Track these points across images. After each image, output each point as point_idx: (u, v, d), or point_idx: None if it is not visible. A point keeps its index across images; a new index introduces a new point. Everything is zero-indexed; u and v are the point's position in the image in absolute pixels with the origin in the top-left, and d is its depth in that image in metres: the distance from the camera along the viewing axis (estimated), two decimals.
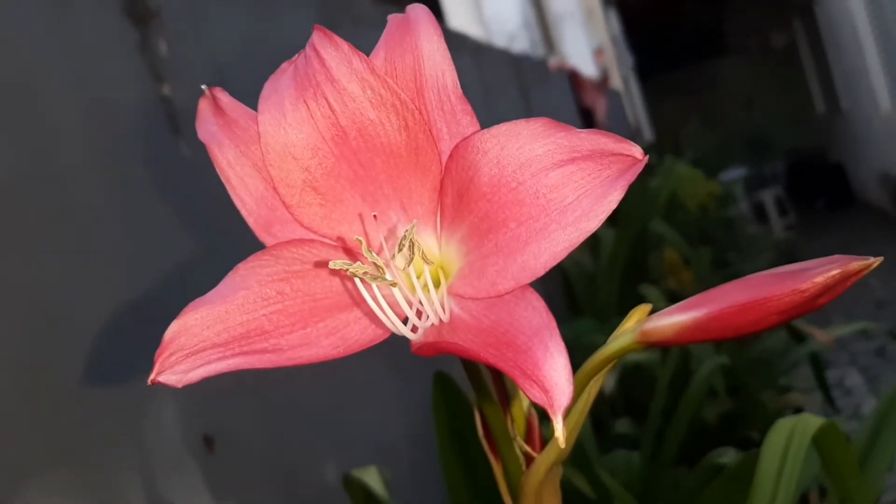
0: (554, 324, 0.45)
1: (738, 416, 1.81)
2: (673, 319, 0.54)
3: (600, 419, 1.93)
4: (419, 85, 0.50)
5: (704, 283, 2.65)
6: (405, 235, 0.48)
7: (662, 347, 0.58)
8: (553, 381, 0.43)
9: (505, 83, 3.04)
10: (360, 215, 0.53)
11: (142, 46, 0.97)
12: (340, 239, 0.52)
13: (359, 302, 0.52)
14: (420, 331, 0.49)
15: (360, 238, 0.48)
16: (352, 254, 0.53)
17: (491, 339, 0.47)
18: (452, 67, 0.49)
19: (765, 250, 3.87)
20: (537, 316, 0.46)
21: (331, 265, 0.48)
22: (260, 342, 0.49)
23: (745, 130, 10.67)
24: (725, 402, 1.84)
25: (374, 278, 0.47)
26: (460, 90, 0.49)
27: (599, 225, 0.46)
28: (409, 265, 0.48)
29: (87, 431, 0.78)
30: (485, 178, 0.49)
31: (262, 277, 0.51)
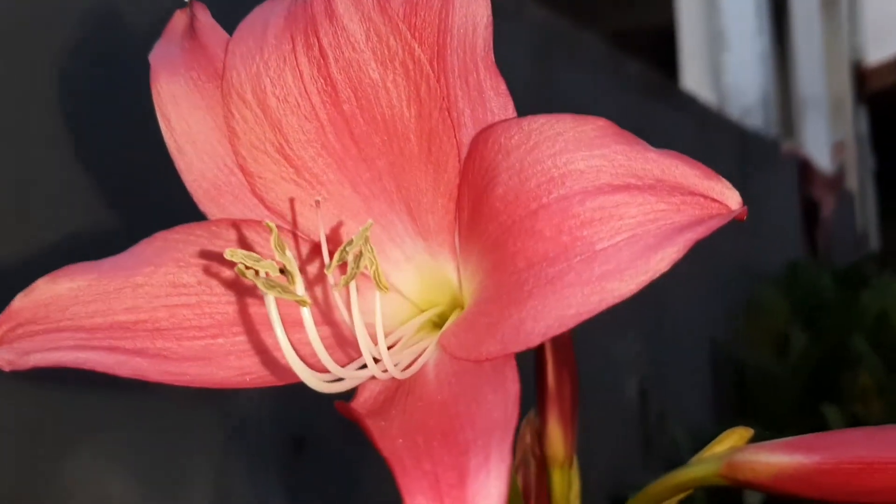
0: (513, 426, 0.29)
1: None
2: (773, 458, 0.40)
3: None
4: (441, 43, 0.35)
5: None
6: (358, 237, 0.33)
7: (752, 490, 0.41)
8: None
9: (725, 156, 2.84)
10: (348, 209, 0.38)
11: None
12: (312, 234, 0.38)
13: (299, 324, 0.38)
14: (346, 382, 0.34)
15: (270, 224, 0.34)
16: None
17: (432, 418, 0.31)
18: (489, 24, 0.34)
19: None
20: (501, 407, 0.30)
21: (227, 253, 0.33)
22: (144, 340, 0.35)
23: None
24: None
25: (270, 287, 0.32)
26: (492, 57, 0.34)
27: (633, 292, 0.30)
28: (347, 281, 0.33)
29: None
30: (500, 190, 0.34)
31: (184, 256, 0.37)
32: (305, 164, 0.38)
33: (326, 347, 0.36)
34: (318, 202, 0.35)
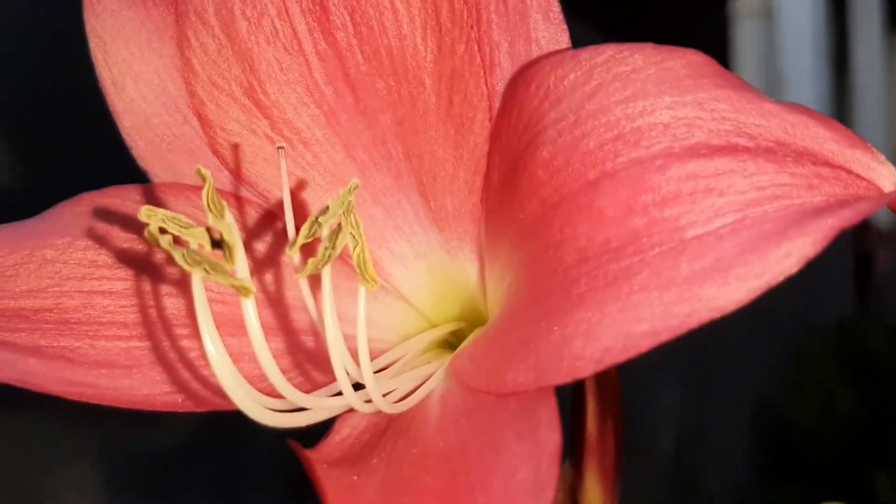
0: (548, 496, 0.18)
1: None
2: None
3: None
4: None
5: None
6: (336, 202, 0.24)
7: None
8: None
9: None
10: (340, 180, 0.29)
11: None
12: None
13: (274, 328, 0.28)
14: (309, 414, 0.24)
15: (201, 170, 0.24)
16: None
17: (431, 476, 0.21)
18: None
19: None
20: (530, 465, 0.20)
21: (142, 212, 0.23)
22: (45, 335, 0.26)
23: None
24: None
25: (195, 262, 0.21)
26: None
27: (741, 303, 0.20)
28: (318, 266, 0.23)
29: None
30: (545, 153, 0.24)
31: (112, 228, 0.28)
32: (284, 115, 0.28)
33: (284, 363, 0.27)
34: (280, 149, 0.25)
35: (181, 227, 0.22)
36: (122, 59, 0.28)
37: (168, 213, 0.22)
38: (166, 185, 0.29)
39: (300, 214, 0.29)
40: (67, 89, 0.40)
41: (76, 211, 0.28)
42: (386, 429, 0.25)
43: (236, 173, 0.29)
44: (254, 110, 0.28)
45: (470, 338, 0.29)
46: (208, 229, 0.22)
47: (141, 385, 0.26)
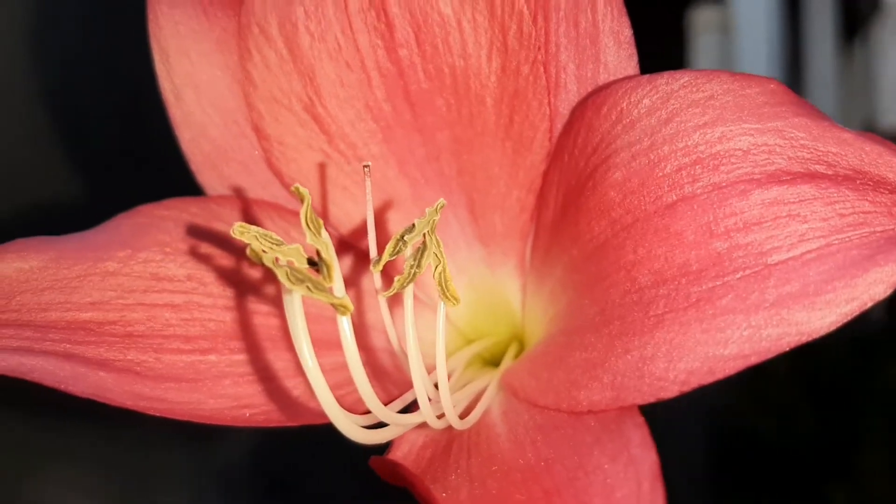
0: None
1: None
2: None
3: None
4: None
5: None
6: (422, 221, 0.24)
7: None
8: None
9: None
10: (390, 196, 0.29)
11: None
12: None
13: (323, 344, 0.28)
14: (387, 430, 0.24)
15: (300, 188, 0.24)
16: (355, 252, 0.29)
17: (522, 493, 0.21)
18: None
19: None
20: (629, 483, 0.20)
21: (235, 230, 0.23)
22: (111, 348, 0.26)
23: None
24: None
25: (298, 281, 0.21)
26: None
27: (831, 328, 0.20)
28: (404, 284, 0.23)
29: None
30: (617, 175, 0.24)
31: (172, 240, 0.28)
32: (341, 130, 0.28)
33: (342, 378, 0.27)
34: (366, 167, 0.25)
35: (273, 244, 0.22)
36: (184, 71, 0.28)
37: (261, 230, 0.22)
38: (222, 199, 0.29)
39: (349, 227, 0.29)
40: (124, 102, 0.40)
41: (135, 223, 0.28)
42: (448, 445, 0.25)
43: (282, 177, 0.29)
44: (312, 125, 0.28)
45: (510, 353, 0.29)
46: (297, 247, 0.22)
47: (207, 399, 0.26)
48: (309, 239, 0.23)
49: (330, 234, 0.25)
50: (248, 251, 0.22)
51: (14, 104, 0.42)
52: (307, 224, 0.22)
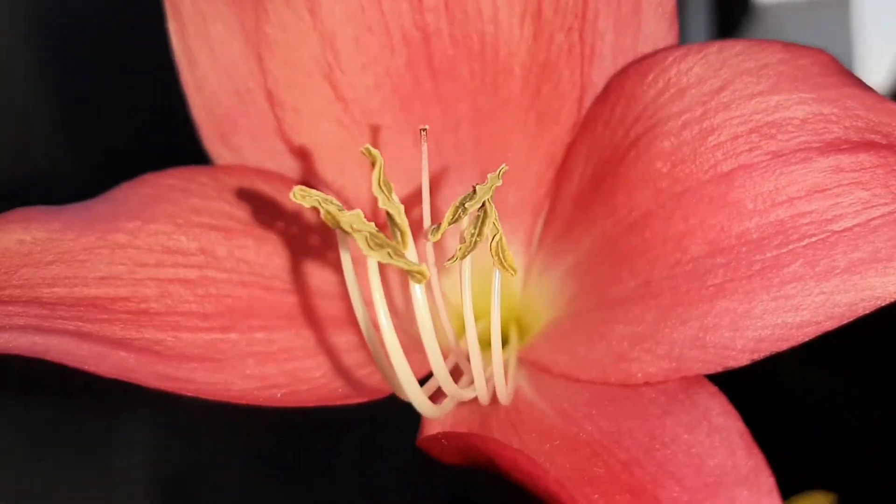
0: (767, 481, 0.19)
1: None
2: None
3: None
4: None
5: None
6: (484, 187, 0.23)
7: None
8: None
9: None
10: (400, 167, 0.28)
11: None
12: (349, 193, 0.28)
13: (343, 321, 0.27)
14: (446, 404, 0.24)
15: (371, 149, 0.23)
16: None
17: (599, 466, 0.21)
18: None
19: None
20: (719, 450, 0.20)
21: (295, 193, 0.22)
22: (126, 326, 0.24)
23: None
24: None
25: (379, 246, 0.20)
26: None
27: None
28: (465, 253, 0.22)
29: None
30: (665, 145, 0.24)
31: (182, 211, 0.26)
32: (358, 98, 0.27)
33: (362, 356, 0.26)
34: (423, 131, 0.24)
35: (338, 208, 0.21)
36: (197, 32, 0.26)
37: (322, 194, 0.21)
38: (231, 168, 0.27)
39: (358, 200, 0.28)
40: (122, 71, 0.37)
41: (142, 192, 0.26)
42: (485, 424, 0.25)
43: (294, 146, 0.28)
44: (328, 91, 0.27)
45: (531, 328, 0.29)
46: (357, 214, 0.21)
47: (235, 380, 0.24)
48: (381, 203, 0.21)
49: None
50: (322, 215, 0.21)
51: (11, 78, 0.39)
52: (380, 187, 0.21)
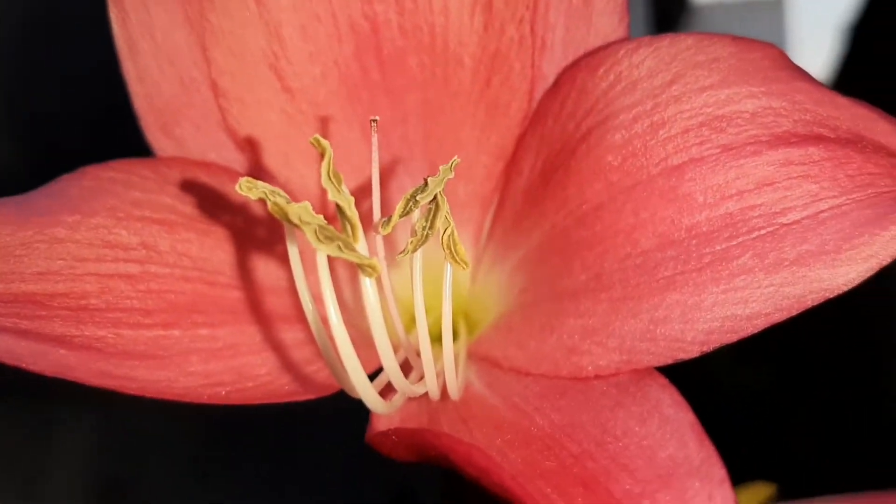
0: (717, 471, 0.19)
1: None
2: None
3: None
4: None
5: None
6: (436, 179, 0.23)
7: None
8: None
9: None
10: (347, 160, 0.27)
11: None
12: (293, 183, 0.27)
13: (290, 316, 0.26)
14: (396, 399, 0.23)
15: (320, 140, 0.22)
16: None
17: (551, 460, 0.21)
18: None
19: None
20: (671, 443, 0.20)
21: (241, 184, 0.21)
22: (65, 323, 0.23)
23: None
24: None
25: (328, 239, 0.20)
26: None
27: (852, 284, 0.21)
28: (416, 246, 0.22)
29: None
30: (616, 138, 0.24)
31: (123, 205, 0.25)
32: (305, 88, 0.27)
33: (313, 351, 0.25)
34: (373, 122, 0.24)
35: (286, 200, 0.20)
36: (140, 20, 0.26)
37: (269, 186, 0.20)
38: (173, 160, 0.27)
39: (304, 193, 0.28)
40: (64, 63, 0.36)
41: (82, 185, 0.25)
42: (435, 419, 0.24)
43: (237, 137, 0.27)
44: (274, 81, 0.26)
45: (480, 322, 0.28)
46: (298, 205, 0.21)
47: (178, 377, 0.23)
48: (331, 195, 0.21)
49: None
50: (269, 207, 0.20)
51: None
52: (329, 178, 0.21)
